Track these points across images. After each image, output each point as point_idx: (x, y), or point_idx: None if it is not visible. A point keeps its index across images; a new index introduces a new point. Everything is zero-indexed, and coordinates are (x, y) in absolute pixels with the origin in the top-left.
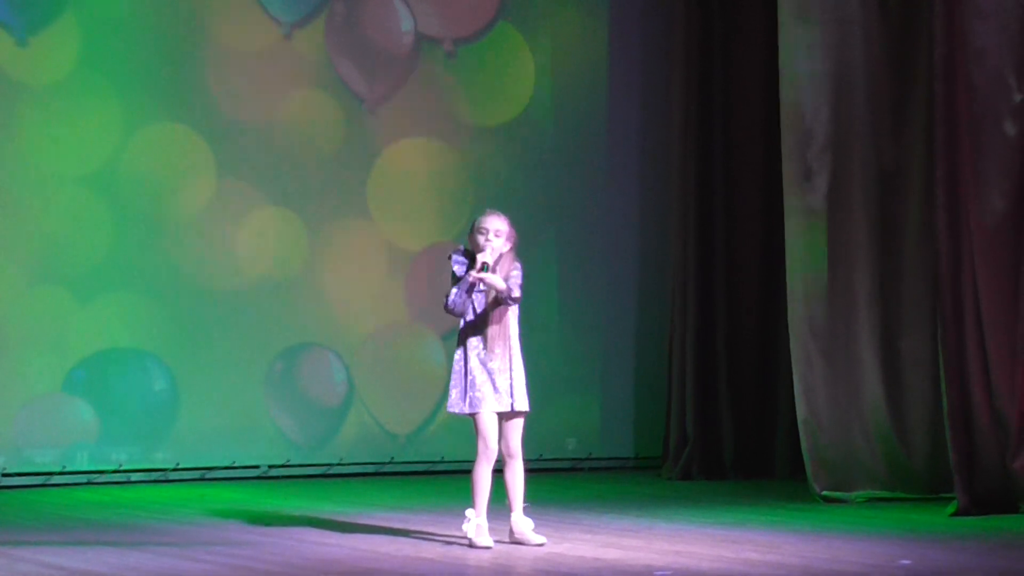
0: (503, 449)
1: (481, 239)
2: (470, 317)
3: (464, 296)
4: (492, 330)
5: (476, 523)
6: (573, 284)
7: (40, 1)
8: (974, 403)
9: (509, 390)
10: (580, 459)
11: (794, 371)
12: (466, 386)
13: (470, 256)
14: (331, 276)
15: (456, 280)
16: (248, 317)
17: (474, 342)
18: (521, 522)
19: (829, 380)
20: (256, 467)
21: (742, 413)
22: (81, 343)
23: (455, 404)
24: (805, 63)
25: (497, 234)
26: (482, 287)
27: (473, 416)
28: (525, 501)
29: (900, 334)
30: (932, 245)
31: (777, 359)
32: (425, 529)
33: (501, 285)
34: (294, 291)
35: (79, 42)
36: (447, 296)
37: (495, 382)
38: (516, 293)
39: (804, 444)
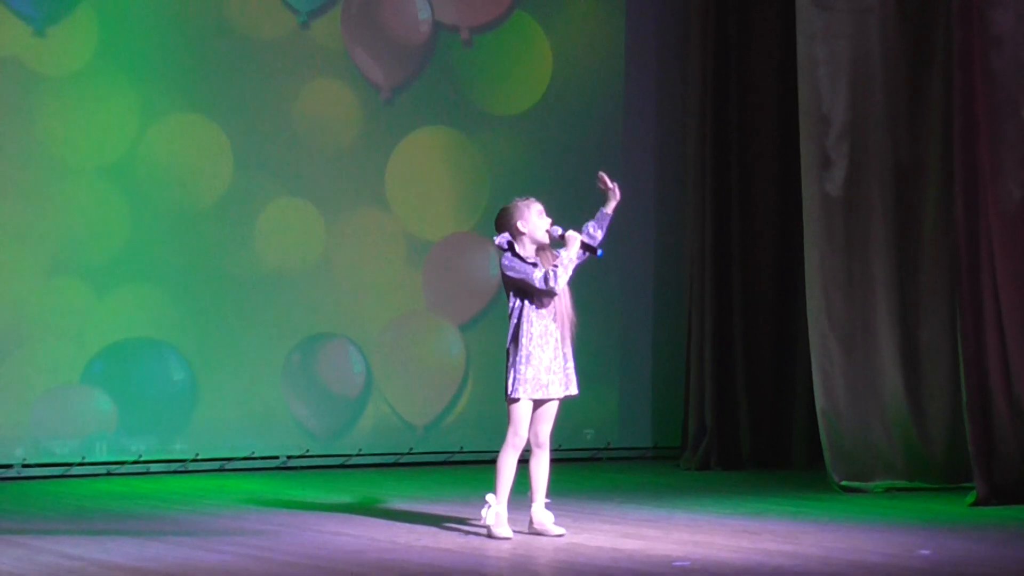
0: (532, 438)
1: (544, 221)
2: (522, 302)
3: (572, 272)
4: (565, 313)
5: (496, 511)
6: (590, 274)
7: None
8: (993, 392)
9: (566, 376)
10: (599, 449)
11: (812, 361)
12: (528, 370)
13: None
14: (349, 266)
15: (508, 264)
16: (266, 308)
17: (545, 326)
18: (541, 514)
19: (847, 370)
20: (275, 458)
21: (760, 403)
22: (99, 334)
23: (520, 390)
24: (822, 51)
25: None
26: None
27: (511, 402)
28: (546, 497)
29: (918, 323)
30: (950, 234)
31: (795, 349)
32: (444, 519)
33: (578, 243)
34: (312, 281)
35: (97, 32)
36: (547, 275)
37: (558, 367)
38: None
39: (823, 434)
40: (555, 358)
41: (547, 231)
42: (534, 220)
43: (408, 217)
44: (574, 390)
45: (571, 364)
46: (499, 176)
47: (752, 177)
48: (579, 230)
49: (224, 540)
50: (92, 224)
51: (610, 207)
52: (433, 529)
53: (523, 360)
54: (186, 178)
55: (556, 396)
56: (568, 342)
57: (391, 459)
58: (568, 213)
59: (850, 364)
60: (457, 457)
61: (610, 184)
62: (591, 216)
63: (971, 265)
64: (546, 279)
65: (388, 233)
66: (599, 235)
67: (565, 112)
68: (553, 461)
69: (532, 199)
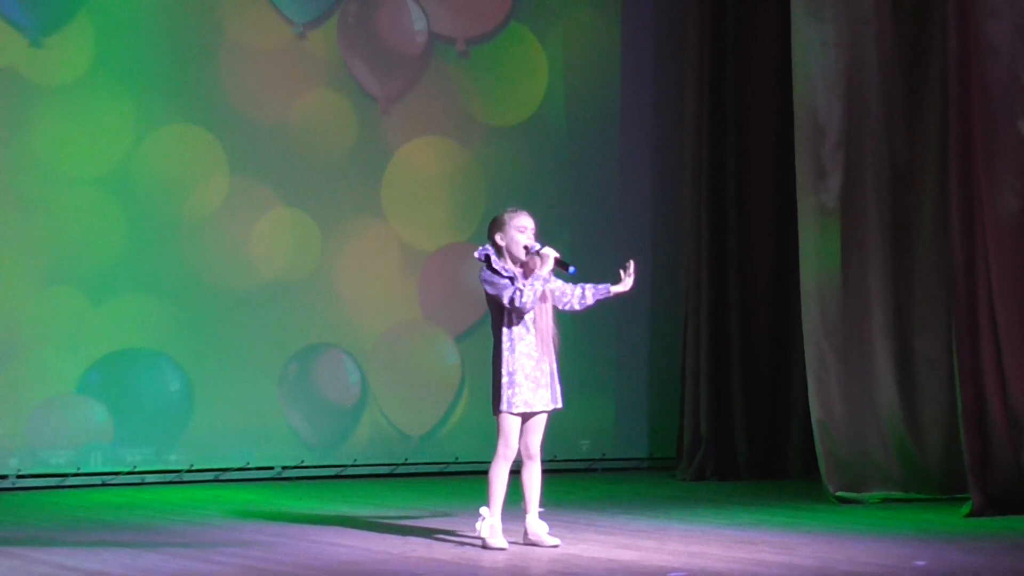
0: (522, 450)
1: (524, 236)
2: (503, 317)
3: (535, 298)
4: (546, 329)
5: (490, 523)
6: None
7: (54, 2)
8: (988, 403)
9: (552, 389)
10: (594, 460)
11: (808, 371)
12: (512, 384)
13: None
14: (345, 276)
15: (486, 278)
16: (262, 318)
17: (526, 341)
18: (536, 524)
19: (843, 380)
20: (270, 468)
21: (756, 414)
22: (95, 344)
23: (505, 404)
24: (818, 61)
25: (534, 231)
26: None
27: (499, 415)
28: (541, 506)
29: (914, 333)
30: (946, 244)
31: (791, 359)
32: (439, 530)
33: (551, 260)
34: (308, 291)
35: (93, 43)
36: (513, 295)
37: (543, 381)
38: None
39: (818, 444)
40: (539, 372)
41: (525, 246)
42: (511, 233)
43: (404, 227)
44: (559, 404)
45: (556, 378)
46: (495, 186)
47: (749, 186)
48: (563, 263)
49: (219, 551)
50: (88, 234)
51: (615, 290)
52: (428, 540)
53: (507, 374)
54: (183, 188)
55: (542, 409)
56: (552, 356)
57: (386, 469)
58: (563, 223)
59: (846, 374)
60: (452, 467)
61: (631, 274)
62: (584, 226)
63: (967, 275)
64: (512, 299)
65: (384, 243)
66: (588, 298)
67: (561, 123)
68: (548, 472)
69: (520, 212)
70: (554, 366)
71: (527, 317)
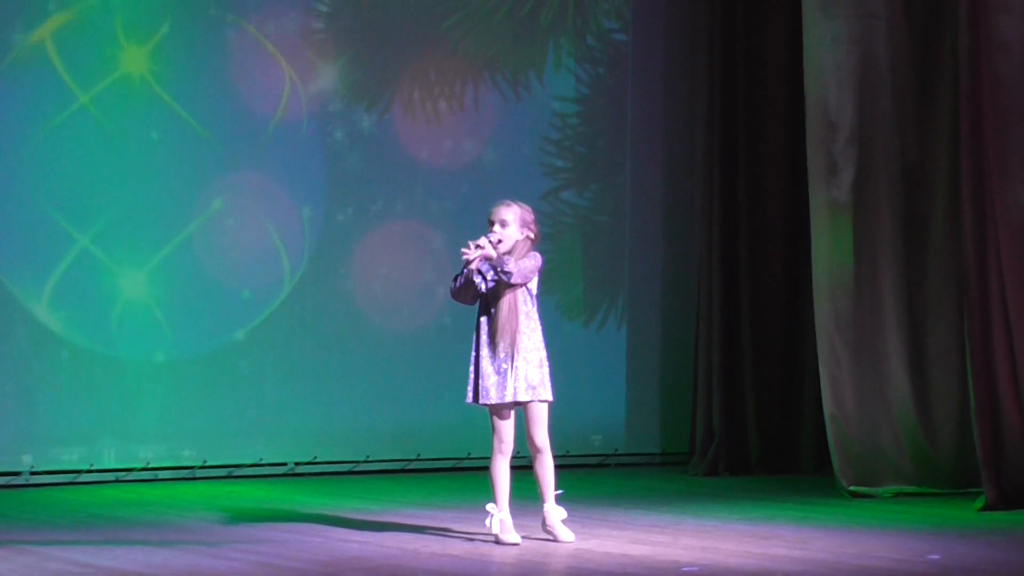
0: (529, 444)
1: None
2: (478, 307)
3: (462, 282)
4: (499, 319)
5: (499, 518)
6: (601, 279)
7: None
8: (1001, 397)
9: (514, 381)
10: (606, 455)
11: (820, 366)
12: (477, 377)
13: None
14: (359, 272)
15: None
16: (274, 313)
17: (484, 333)
18: (553, 512)
19: (855, 375)
20: (283, 464)
21: (768, 408)
22: (108, 341)
23: (470, 396)
24: (830, 56)
25: (503, 224)
26: (489, 276)
27: (486, 409)
28: (557, 489)
29: (926, 328)
30: (958, 239)
31: (803, 354)
32: (451, 526)
33: (492, 254)
34: (322, 287)
35: None
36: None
37: (502, 373)
38: (508, 267)
39: (831, 439)
40: (496, 364)
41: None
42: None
43: (423, 225)
44: (516, 397)
45: (529, 370)
46: (500, 182)
47: (760, 181)
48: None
49: (232, 547)
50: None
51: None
52: (441, 536)
53: (472, 365)
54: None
55: (498, 402)
56: (514, 348)
57: (399, 465)
58: (574, 219)
59: (858, 369)
60: (465, 463)
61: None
62: (595, 222)
63: (979, 270)
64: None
65: (401, 239)
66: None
67: (571, 120)
68: (560, 467)
69: (495, 208)
70: (517, 360)
71: (487, 308)
